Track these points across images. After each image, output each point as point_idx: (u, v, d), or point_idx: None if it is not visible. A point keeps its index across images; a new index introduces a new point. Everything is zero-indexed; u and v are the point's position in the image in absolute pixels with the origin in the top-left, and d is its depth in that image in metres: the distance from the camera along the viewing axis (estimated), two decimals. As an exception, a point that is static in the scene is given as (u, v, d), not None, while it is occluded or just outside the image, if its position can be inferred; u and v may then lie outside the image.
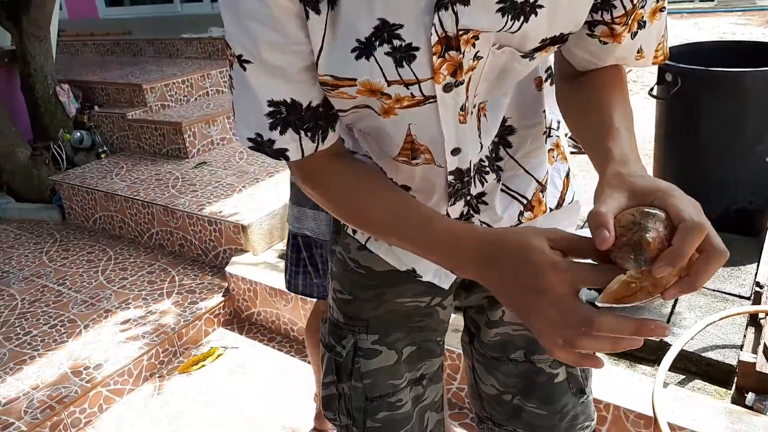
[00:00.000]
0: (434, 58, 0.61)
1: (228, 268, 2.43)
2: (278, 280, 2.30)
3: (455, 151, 0.73)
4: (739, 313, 1.82)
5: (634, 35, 0.71)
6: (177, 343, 2.21)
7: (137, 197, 2.88)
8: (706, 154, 2.34)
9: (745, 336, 1.78)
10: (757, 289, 1.91)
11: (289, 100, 0.66)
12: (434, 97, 0.65)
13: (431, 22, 0.59)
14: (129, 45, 4.98)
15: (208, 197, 2.79)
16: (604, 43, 0.71)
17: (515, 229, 0.65)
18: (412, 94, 0.64)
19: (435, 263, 0.76)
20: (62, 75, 3.95)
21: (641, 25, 0.70)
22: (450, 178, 0.76)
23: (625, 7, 0.66)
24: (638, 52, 0.74)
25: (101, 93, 3.88)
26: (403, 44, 0.61)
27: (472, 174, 0.78)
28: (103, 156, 3.58)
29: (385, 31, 0.60)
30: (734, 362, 1.67)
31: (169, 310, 2.33)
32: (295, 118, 0.67)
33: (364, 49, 0.61)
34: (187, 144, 3.33)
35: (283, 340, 2.28)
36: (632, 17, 0.68)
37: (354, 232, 0.89)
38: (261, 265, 2.44)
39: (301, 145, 0.69)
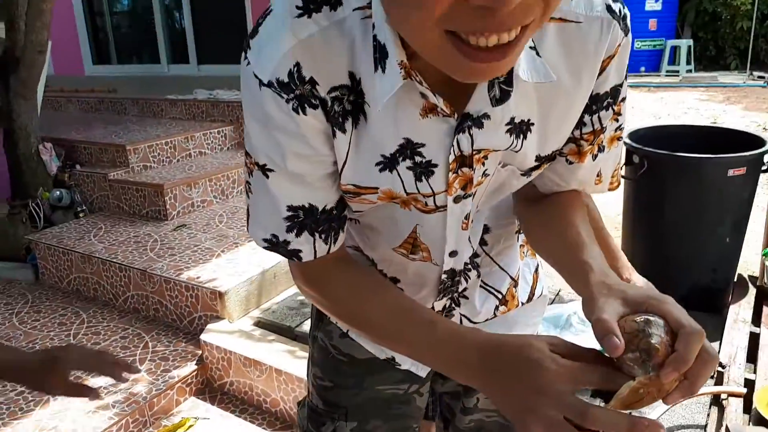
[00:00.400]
0: (450, 174, 0.68)
1: (203, 336, 2.43)
2: (253, 350, 2.30)
3: (453, 254, 0.79)
4: (702, 394, 1.87)
5: (594, 157, 0.77)
6: (148, 413, 2.18)
7: (115, 260, 2.87)
8: (670, 233, 2.45)
9: (708, 415, 1.83)
10: (719, 369, 1.97)
11: (307, 205, 0.70)
12: (445, 207, 0.72)
13: (450, 143, 0.66)
14: (114, 103, 5.05)
15: (186, 262, 2.80)
16: (570, 162, 0.77)
17: (516, 334, 0.66)
18: (426, 203, 0.72)
19: (434, 367, 0.77)
20: (46, 132, 3.97)
21: (601, 149, 0.77)
22: (444, 276, 0.82)
23: (593, 125, 0.74)
24: (597, 176, 0.80)
25: (84, 152, 3.91)
26: (424, 161, 0.67)
27: (461, 274, 0.83)
28: (81, 215, 3.58)
29: (409, 148, 0.66)
30: (699, 443, 1.71)
31: (141, 378, 2.30)
32: (311, 221, 0.71)
33: (388, 164, 0.67)
34: (167, 206, 3.35)
35: (255, 412, 2.26)
36: (597, 138, 0.75)
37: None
38: (236, 334, 2.44)
39: (314, 246, 0.72)
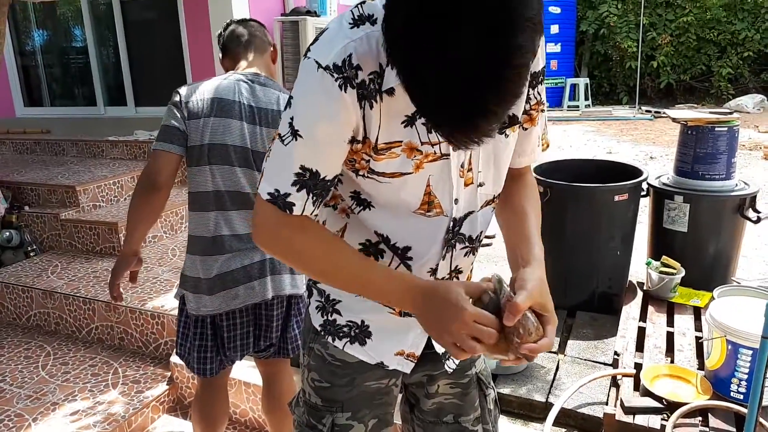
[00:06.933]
0: None
1: (173, 359, 2.66)
2: (221, 367, 2.55)
3: (456, 201, 1.02)
4: (602, 376, 2.32)
5: (537, 123, 1.11)
6: (127, 430, 2.39)
7: (78, 294, 3.04)
8: (572, 250, 2.93)
9: (608, 394, 2.27)
10: (615, 356, 2.44)
11: (314, 170, 0.93)
12: (448, 155, 0.97)
13: None
14: (50, 144, 5.10)
15: (148, 293, 3.02)
16: (525, 128, 1.08)
17: (446, 281, 0.99)
18: (434, 151, 0.96)
19: (383, 301, 1.03)
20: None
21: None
22: (450, 224, 1.03)
23: (537, 97, 1.06)
24: (541, 138, 1.13)
25: (31, 193, 4.01)
26: None
27: (458, 230, 1.05)
28: (32, 254, 3.69)
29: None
30: (601, 415, 2.14)
31: (116, 400, 2.50)
32: (312, 183, 0.93)
33: (409, 121, 0.94)
34: (121, 242, 3.54)
35: (227, 423, 2.51)
36: (540, 107, 1.08)
37: (333, 338, 1.14)
38: (203, 354, 2.68)
39: (305, 204, 0.95)
